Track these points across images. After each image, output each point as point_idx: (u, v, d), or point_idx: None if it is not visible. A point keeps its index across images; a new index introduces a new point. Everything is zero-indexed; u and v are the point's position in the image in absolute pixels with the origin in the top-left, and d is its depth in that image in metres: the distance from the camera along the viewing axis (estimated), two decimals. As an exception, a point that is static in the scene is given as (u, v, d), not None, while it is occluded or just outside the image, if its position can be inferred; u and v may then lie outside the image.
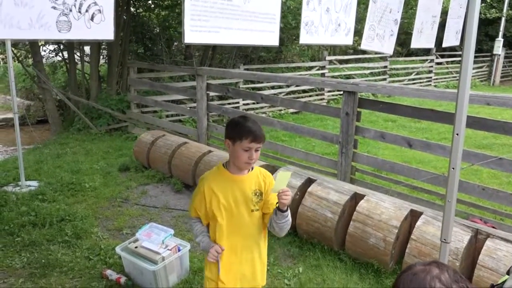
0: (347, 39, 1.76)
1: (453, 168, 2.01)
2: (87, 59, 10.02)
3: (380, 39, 1.64)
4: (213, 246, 2.09)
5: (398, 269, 3.41)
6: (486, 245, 3.00)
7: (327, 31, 1.76)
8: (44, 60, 9.48)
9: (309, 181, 4.09)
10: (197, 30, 1.73)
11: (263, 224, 2.18)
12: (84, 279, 3.41)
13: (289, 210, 2.06)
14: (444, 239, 2.09)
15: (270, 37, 1.88)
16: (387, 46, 1.72)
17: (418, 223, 3.30)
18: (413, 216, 3.48)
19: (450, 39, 1.97)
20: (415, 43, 1.84)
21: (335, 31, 1.76)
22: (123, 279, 3.35)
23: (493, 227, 3.53)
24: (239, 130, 2.02)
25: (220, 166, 2.17)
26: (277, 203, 2.04)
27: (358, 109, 4.72)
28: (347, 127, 4.76)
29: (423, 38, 1.84)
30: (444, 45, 1.97)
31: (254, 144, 2.00)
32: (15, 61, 8.44)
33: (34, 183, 5.39)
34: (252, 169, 2.15)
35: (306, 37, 1.79)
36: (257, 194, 2.12)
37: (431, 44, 1.95)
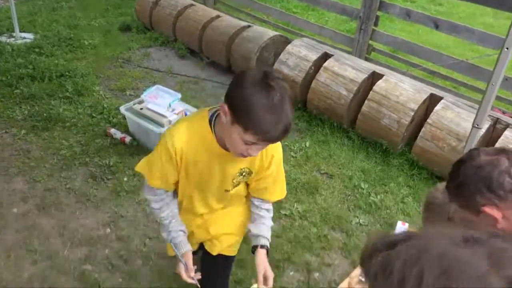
0: None
1: (507, 48, 1.79)
2: None
3: None
4: (184, 262, 1.57)
5: (407, 151, 3.37)
6: (504, 135, 2.92)
7: None
8: None
9: (325, 56, 3.84)
10: None
11: (245, 191, 1.69)
12: (88, 136, 3.36)
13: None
14: (477, 125, 1.95)
15: None
16: None
17: (437, 107, 3.17)
18: (432, 100, 3.33)
19: None
20: None
21: None
22: (128, 139, 3.30)
23: (511, 117, 3.42)
24: (248, 114, 1.23)
25: (206, 126, 1.43)
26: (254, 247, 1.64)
27: (386, -19, 4.25)
28: (371, 1, 4.33)
29: None
30: None
31: (263, 143, 1.31)
32: None
33: (29, 36, 5.06)
34: None
35: None
36: (244, 174, 1.55)
37: None
